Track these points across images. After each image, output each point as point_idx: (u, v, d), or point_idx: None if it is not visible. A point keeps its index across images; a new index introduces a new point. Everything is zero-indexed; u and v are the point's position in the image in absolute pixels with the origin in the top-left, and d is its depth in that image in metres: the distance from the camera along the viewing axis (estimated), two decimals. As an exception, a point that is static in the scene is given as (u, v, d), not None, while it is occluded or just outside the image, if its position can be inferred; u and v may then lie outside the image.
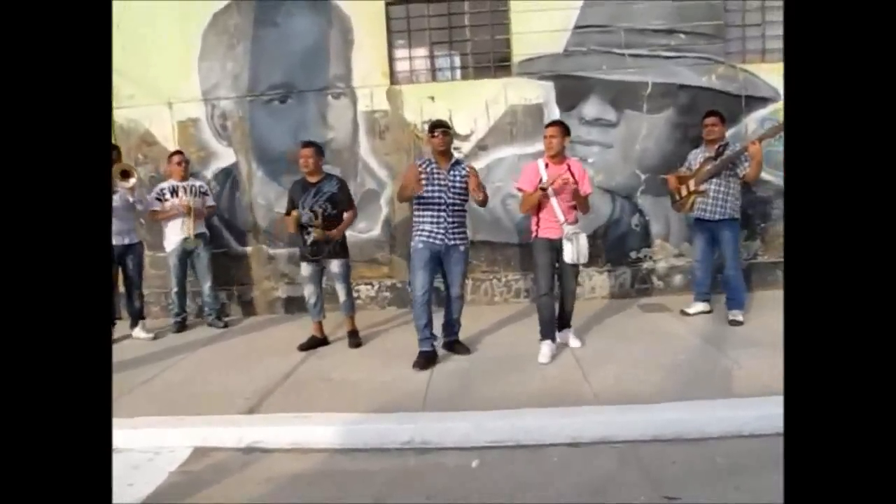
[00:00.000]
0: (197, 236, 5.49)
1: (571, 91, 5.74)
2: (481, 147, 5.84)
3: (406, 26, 5.91)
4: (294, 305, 6.04)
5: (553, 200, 4.08)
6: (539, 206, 4.12)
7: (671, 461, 2.79)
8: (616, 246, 5.91)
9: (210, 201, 5.72)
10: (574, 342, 4.36)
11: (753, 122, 5.66)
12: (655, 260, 5.93)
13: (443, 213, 4.13)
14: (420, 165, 4.17)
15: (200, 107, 6.01)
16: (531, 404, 3.31)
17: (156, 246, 5.88)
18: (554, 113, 5.68)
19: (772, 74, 5.56)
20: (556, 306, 4.32)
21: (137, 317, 5.43)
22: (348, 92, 5.90)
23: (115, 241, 5.08)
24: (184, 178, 5.53)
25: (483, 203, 4.18)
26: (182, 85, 5.95)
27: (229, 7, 5.87)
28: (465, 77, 6.01)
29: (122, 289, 5.45)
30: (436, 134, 4.12)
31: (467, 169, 4.23)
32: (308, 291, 4.74)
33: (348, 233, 4.81)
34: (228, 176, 6.08)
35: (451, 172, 4.17)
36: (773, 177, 5.57)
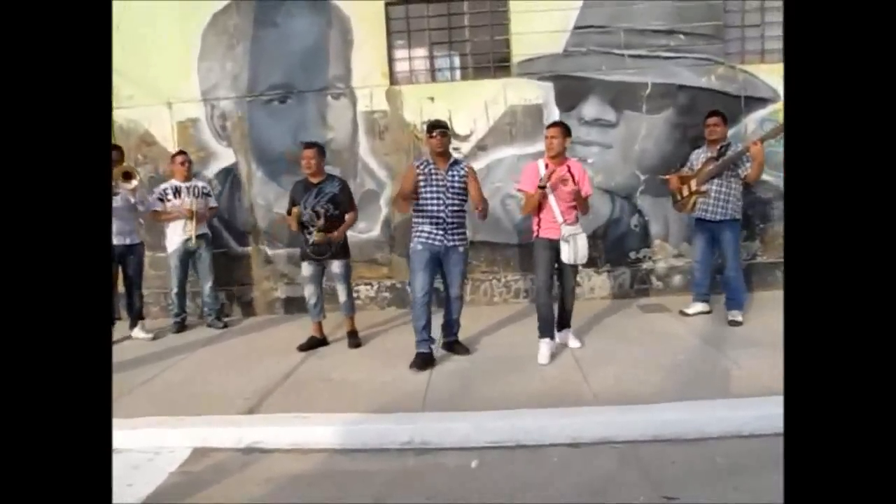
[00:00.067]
0: (199, 237, 5.48)
1: (571, 91, 5.74)
2: (481, 147, 5.84)
3: (406, 27, 5.92)
4: (293, 306, 6.04)
5: (552, 201, 4.08)
6: (540, 207, 4.13)
7: (671, 461, 2.79)
8: (615, 246, 5.91)
9: (212, 202, 5.71)
10: (574, 342, 4.36)
11: (753, 122, 5.66)
12: (655, 260, 5.93)
13: (442, 214, 4.12)
14: (418, 167, 4.17)
15: (200, 107, 6.01)
16: (531, 405, 3.31)
17: (155, 246, 5.88)
18: (553, 113, 5.69)
19: (771, 75, 5.56)
20: (556, 306, 4.32)
21: (137, 317, 5.43)
22: (348, 92, 5.90)
23: (116, 240, 5.08)
24: (187, 179, 5.52)
25: (483, 216, 4.19)
26: (182, 85, 5.95)
27: (229, 7, 5.87)
28: (464, 77, 6.01)
29: (121, 289, 5.45)
30: (434, 135, 4.12)
31: (466, 169, 4.24)
32: (308, 292, 4.74)
33: (348, 233, 4.82)
34: (228, 176, 6.08)
35: (450, 173, 4.16)
36: (773, 177, 5.57)
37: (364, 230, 5.91)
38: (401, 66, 5.99)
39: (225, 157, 6.06)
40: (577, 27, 5.66)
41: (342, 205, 4.66)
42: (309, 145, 4.68)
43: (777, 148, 5.27)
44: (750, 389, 3.31)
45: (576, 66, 5.71)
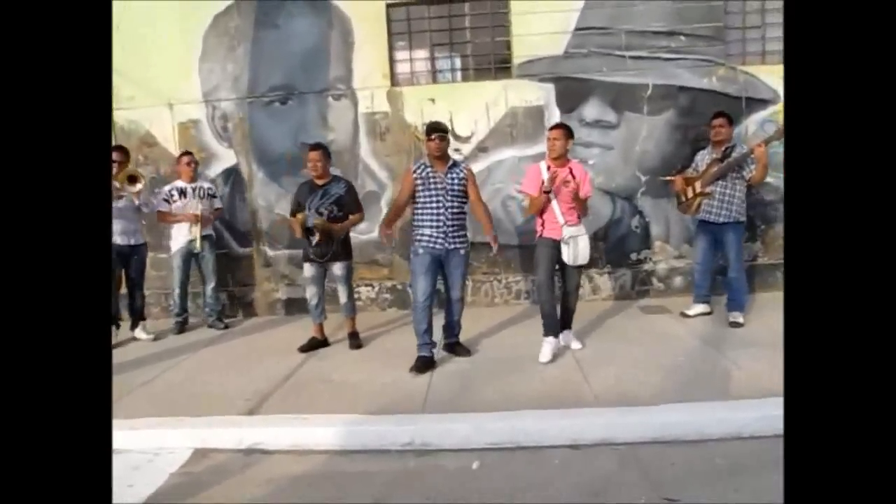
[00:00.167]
0: (203, 238, 5.47)
1: (572, 93, 5.74)
2: (481, 149, 5.84)
3: (407, 28, 5.92)
4: (294, 307, 6.04)
5: (553, 202, 4.08)
6: (543, 209, 4.13)
7: (671, 463, 2.79)
8: (616, 247, 5.91)
9: (218, 203, 5.70)
10: (574, 344, 4.36)
11: (753, 123, 5.66)
12: (655, 262, 5.93)
13: (442, 217, 4.11)
14: (415, 171, 4.15)
15: (201, 108, 6.01)
16: (531, 406, 3.31)
17: (156, 247, 5.88)
18: (554, 115, 5.69)
19: (772, 76, 5.56)
20: (559, 305, 4.32)
21: (138, 317, 5.43)
22: (349, 93, 5.91)
23: (121, 240, 5.08)
24: (192, 180, 5.51)
25: (495, 242, 4.19)
26: (182, 86, 5.96)
27: (230, 8, 5.88)
28: (465, 79, 6.01)
29: (123, 289, 5.45)
30: (432, 137, 4.09)
31: (465, 171, 4.23)
32: (310, 293, 4.74)
33: (348, 233, 4.81)
34: (229, 177, 6.08)
35: (449, 175, 4.15)
36: (774, 178, 5.56)
37: (365, 231, 5.90)
38: (402, 68, 5.99)
39: (226, 158, 6.07)
40: (577, 29, 5.67)
41: (347, 206, 4.65)
42: (314, 147, 4.66)
43: (779, 149, 5.27)
44: (750, 391, 3.30)
45: (576, 68, 5.71)
